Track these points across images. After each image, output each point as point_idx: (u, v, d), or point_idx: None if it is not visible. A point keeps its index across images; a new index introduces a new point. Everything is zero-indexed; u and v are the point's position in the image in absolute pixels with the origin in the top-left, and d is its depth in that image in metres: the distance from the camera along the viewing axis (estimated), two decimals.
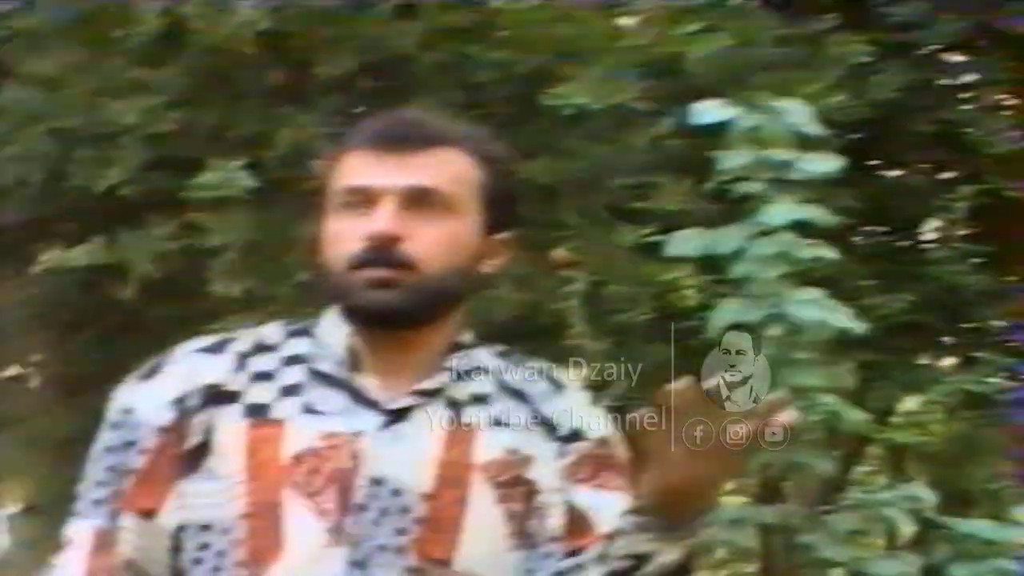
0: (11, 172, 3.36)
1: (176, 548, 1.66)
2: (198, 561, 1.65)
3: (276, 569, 1.61)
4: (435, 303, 1.68)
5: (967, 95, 3.99)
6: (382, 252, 1.64)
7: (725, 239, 2.63)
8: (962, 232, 4.07)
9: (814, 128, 2.69)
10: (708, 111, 2.64)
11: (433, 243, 1.66)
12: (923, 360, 4.26)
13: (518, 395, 1.75)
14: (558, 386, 1.78)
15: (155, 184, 3.11)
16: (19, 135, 3.31)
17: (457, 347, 1.73)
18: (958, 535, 2.91)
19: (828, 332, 2.74)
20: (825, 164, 2.66)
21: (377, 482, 1.63)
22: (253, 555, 1.62)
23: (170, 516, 1.65)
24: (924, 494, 2.88)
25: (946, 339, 4.25)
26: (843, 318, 2.72)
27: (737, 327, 2.63)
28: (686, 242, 2.65)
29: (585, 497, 1.72)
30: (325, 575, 1.61)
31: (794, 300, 2.65)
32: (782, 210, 2.61)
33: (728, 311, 2.64)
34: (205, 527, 1.65)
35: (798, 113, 2.67)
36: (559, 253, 3.25)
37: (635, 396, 3.07)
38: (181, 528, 1.66)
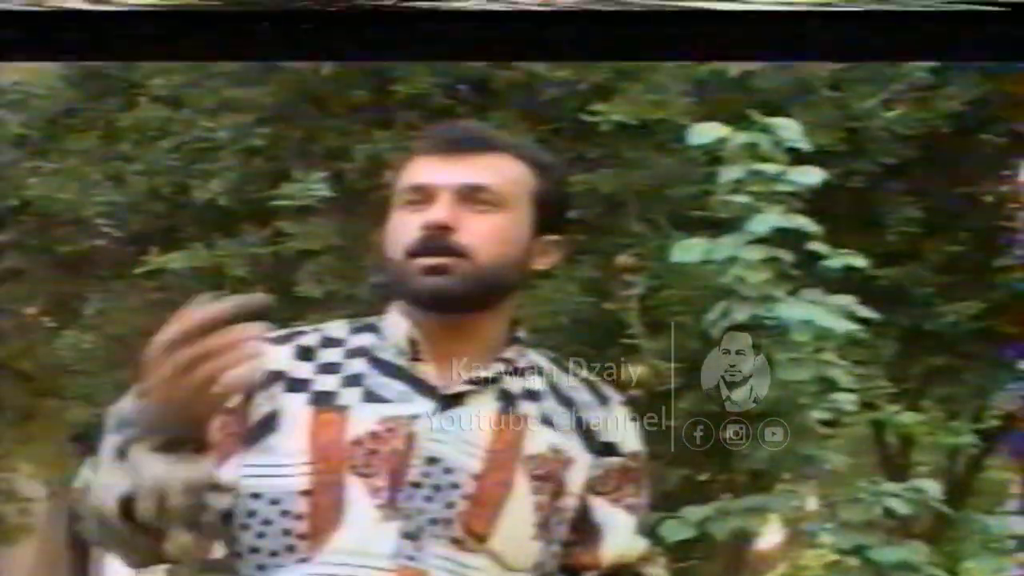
0: (141, 184, 3.75)
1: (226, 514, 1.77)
2: (245, 527, 1.79)
3: (334, 540, 1.74)
4: (486, 290, 1.79)
5: None
6: (436, 240, 1.77)
7: (721, 247, 2.84)
8: None
9: (803, 143, 2.88)
10: (703, 132, 2.89)
11: (484, 234, 1.79)
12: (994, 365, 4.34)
13: (565, 400, 1.87)
14: (603, 399, 1.90)
15: (248, 195, 3.43)
16: (150, 149, 3.69)
17: (513, 341, 1.86)
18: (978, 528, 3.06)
19: (818, 331, 2.90)
20: (809, 176, 2.86)
21: (432, 461, 1.77)
22: (313, 529, 1.75)
23: (231, 480, 1.77)
24: (929, 487, 3.04)
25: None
26: (831, 318, 2.88)
27: (734, 328, 2.83)
28: (690, 250, 2.88)
29: (603, 511, 1.86)
30: (379, 546, 1.73)
31: (783, 302, 2.84)
32: (767, 219, 2.81)
33: (720, 312, 2.84)
34: (256, 495, 1.78)
35: (789, 129, 2.87)
36: (622, 258, 3.46)
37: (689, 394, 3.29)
38: (234, 494, 1.78)
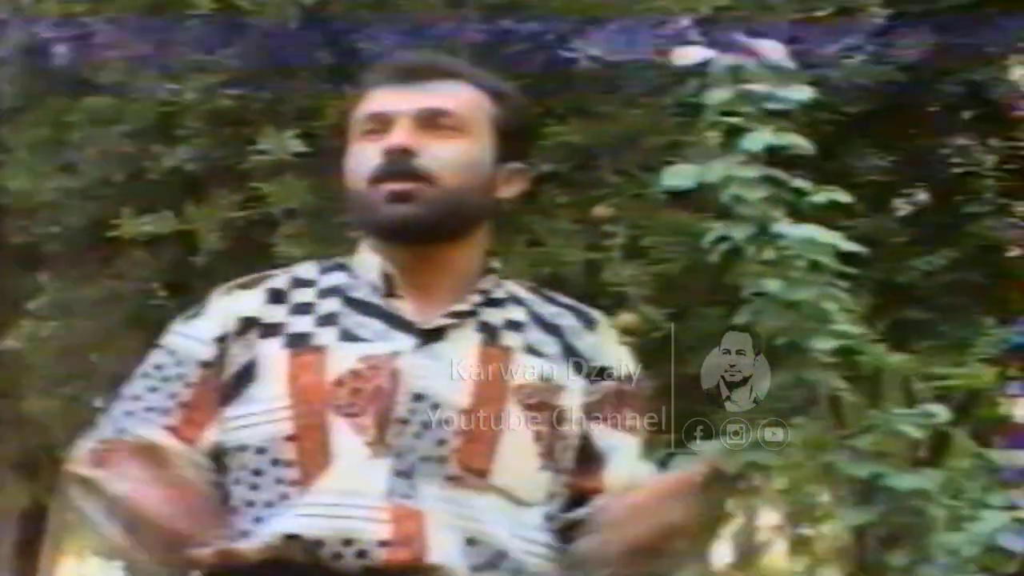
0: (93, 171, 3.68)
1: (217, 469, 1.77)
2: (238, 480, 1.76)
3: (323, 480, 1.71)
4: (452, 216, 1.78)
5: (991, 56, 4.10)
6: (398, 164, 1.76)
7: (713, 169, 2.81)
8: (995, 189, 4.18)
9: (788, 62, 2.87)
10: (687, 54, 2.87)
11: (447, 158, 1.78)
12: (970, 316, 4.36)
13: (550, 328, 1.86)
14: (589, 322, 1.89)
15: (217, 160, 3.36)
16: (99, 136, 3.62)
17: (489, 272, 1.86)
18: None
19: (819, 251, 2.87)
20: (799, 93, 2.84)
21: (418, 397, 1.73)
22: (304, 475, 1.71)
23: (209, 441, 1.77)
24: (939, 411, 3.01)
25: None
26: (831, 237, 2.86)
27: (734, 251, 2.80)
28: (680, 175, 2.84)
29: (603, 436, 1.84)
30: (371, 485, 1.70)
31: (780, 221, 2.81)
32: (759, 138, 2.79)
33: (718, 231, 2.80)
34: (242, 448, 1.76)
35: (773, 49, 2.86)
36: (599, 209, 3.43)
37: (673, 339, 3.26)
38: (222, 451, 1.77)
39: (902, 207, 4.14)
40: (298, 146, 3.13)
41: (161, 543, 1.67)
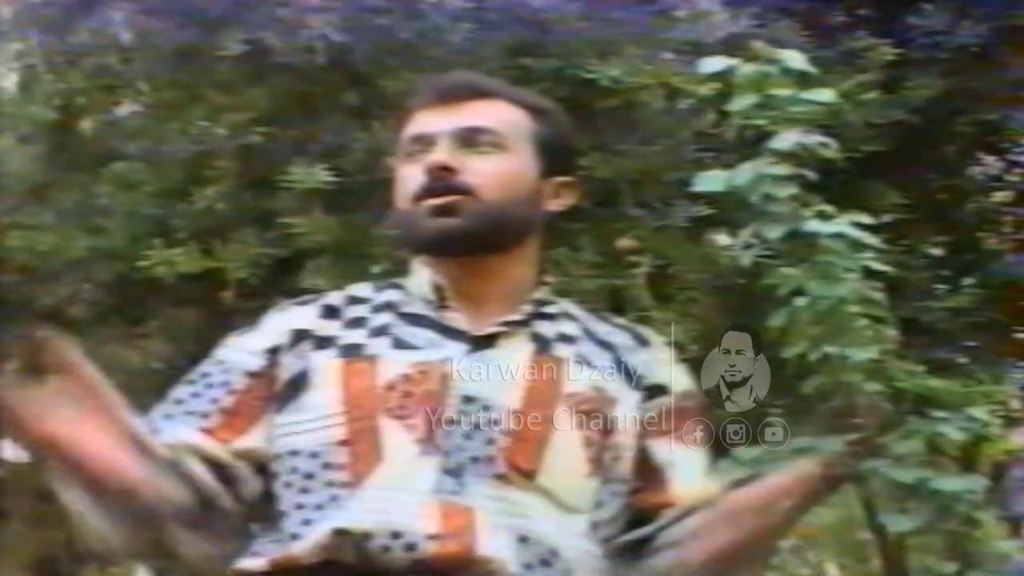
0: (122, 231, 3.72)
1: (268, 474, 1.80)
2: (288, 484, 1.79)
3: (373, 477, 1.74)
4: (498, 229, 1.83)
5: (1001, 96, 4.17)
6: (440, 181, 1.82)
7: (742, 172, 2.86)
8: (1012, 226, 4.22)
9: (809, 68, 2.94)
10: (713, 63, 2.94)
11: (487, 172, 1.83)
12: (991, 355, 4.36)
13: (603, 344, 1.88)
14: (642, 340, 1.92)
15: (246, 201, 3.40)
16: (126, 199, 3.67)
17: (542, 284, 1.90)
18: None
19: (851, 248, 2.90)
20: (822, 95, 2.91)
21: (468, 400, 1.77)
22: (356, 477, 1.75)
23: (246, 446, 1.82)
24: (981, 415, 3.00)
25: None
26: (862, 233, 2.89)
27: (764, 256, 2.82)
28: (711, 180, 2.89)
29: (664, 451, 1.86)
30: (419, 481, 1.73)
31: (812, 220, 2.85)
32: (788, 137, 2.84)
33: (751, 232, 2.84)
34: (294, 453, 1.79)
35: (794, 59, 2.93)
36: (623, 241, 3.47)
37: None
38: (270, 457, 1.81)
39: (921, 247, 4.16)
40: (324, 175, 3.16)
41: (122, 499, 1.70)
